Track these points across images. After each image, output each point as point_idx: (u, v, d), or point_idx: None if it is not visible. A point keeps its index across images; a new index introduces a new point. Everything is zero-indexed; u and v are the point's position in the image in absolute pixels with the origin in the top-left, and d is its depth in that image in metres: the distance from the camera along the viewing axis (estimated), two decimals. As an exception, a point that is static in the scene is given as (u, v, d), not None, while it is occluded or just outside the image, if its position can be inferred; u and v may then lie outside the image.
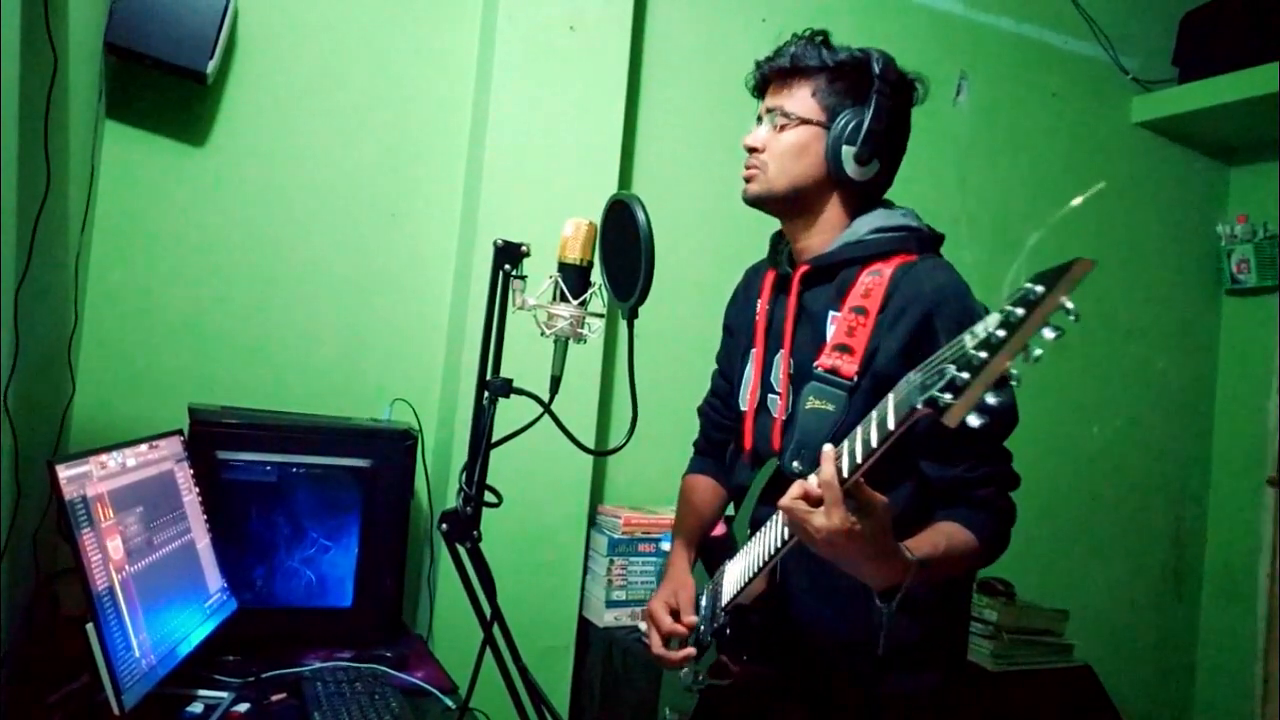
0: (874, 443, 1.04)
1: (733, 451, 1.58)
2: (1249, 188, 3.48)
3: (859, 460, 1.07)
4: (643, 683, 2.12)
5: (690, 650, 1.42)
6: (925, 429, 1.26)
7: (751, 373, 1.49)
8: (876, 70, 1.37)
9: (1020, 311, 0.85)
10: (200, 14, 1.96)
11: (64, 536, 1.32)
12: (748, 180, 1.43)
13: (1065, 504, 3.19)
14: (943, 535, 1.26)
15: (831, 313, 1.37)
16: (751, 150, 1.43)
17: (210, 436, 1.84)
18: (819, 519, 1.09)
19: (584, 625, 2.36)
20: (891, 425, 1.01)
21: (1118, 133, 3.32)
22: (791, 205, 1.42)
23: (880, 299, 1.30)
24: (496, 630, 1.23)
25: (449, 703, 1.69)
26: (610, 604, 2.32)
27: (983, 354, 0.87)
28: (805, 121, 1.38)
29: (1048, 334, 0.85)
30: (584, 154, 2.35)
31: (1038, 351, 0.85)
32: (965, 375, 0.88)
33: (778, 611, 1.37)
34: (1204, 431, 3.52)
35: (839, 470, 1.09)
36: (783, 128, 1.39)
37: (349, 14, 2.30)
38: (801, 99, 1.39)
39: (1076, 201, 1.02)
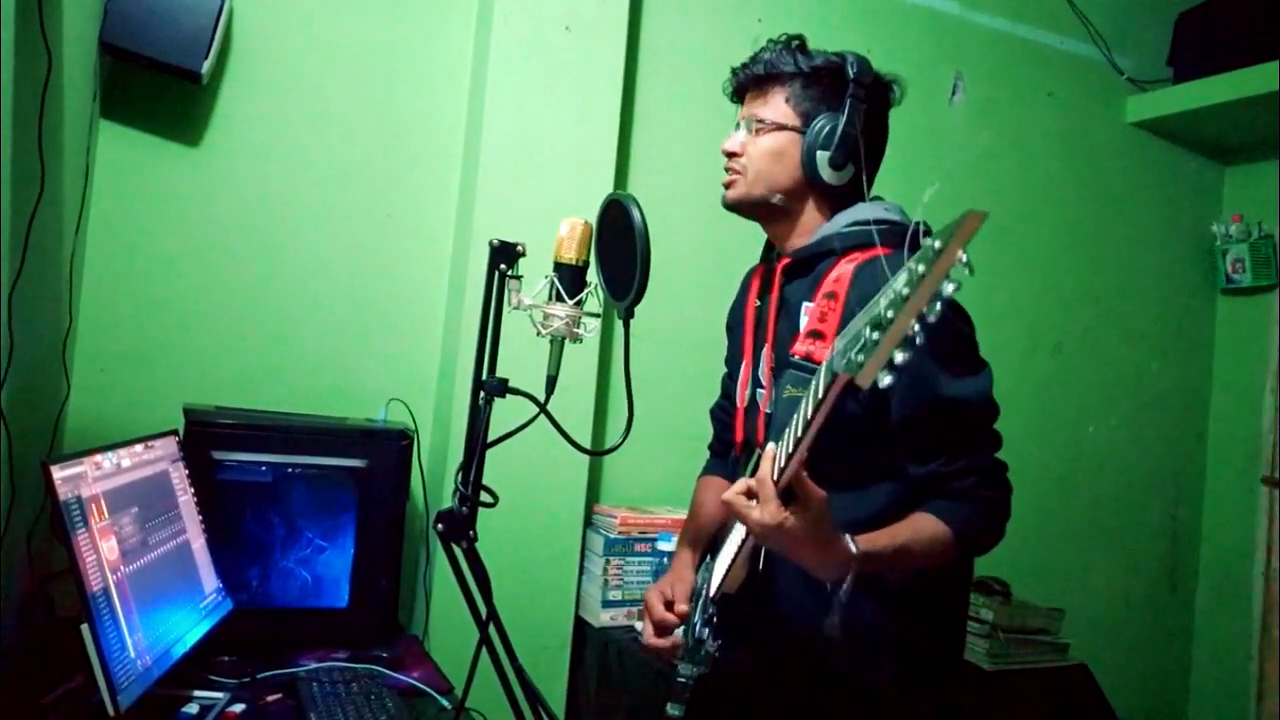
0: (808, 415, 1.05)
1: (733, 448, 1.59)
2: (1244, 187, 3.48)
3: (790, 449, 1.09)
4: (639, 682, 2.12)
5: (676, 639, 1.43)
6: (898, 424, 1.27)
7: (744, 370, 1.51)
8: (851, 74, 1.38)
9: (921, 268, 0.87)
10: (195, 14, 1.96)
11: (58, 537, 1.32)
12: (726, 186, 1.46)
13: (1061, 503, 3.20)
14: (906, 527, 1.27)
15: (805, 303, 1.38)
16: (730, 155, 1.45)
17: (205, 437, 1.84)
18: (755, 513, 1.14)
19: (580, 625, 2.36)
20: (820, 394, 1.02)
21: (1113, 133, 3.32)
22: (770, 209, 1.44)
23: (848, 284, 1.32)
24: (492, 630, 1.23)
25: (445, 703, 1.69)
26: (606, 604, 2.31)
27: (890, 313, 0.89)
28: (781, 127, 1.40)
29: (948, 288, 0.87)
30: (580, 154, 2.35)
31: (939, 305, 0.88)
32: (875, 335, 0.90)
33: (763, 601, 1.38)
34: (1199, 431, 3.52)
35: (772, 468, 1.12)
36: (759, 133, 1.41)
37: (344, 14, 2.30)
38: (776, 105, 1.41)
39: (984, 137, 1.05)
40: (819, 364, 1.27)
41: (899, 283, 0.89)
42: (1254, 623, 3.30)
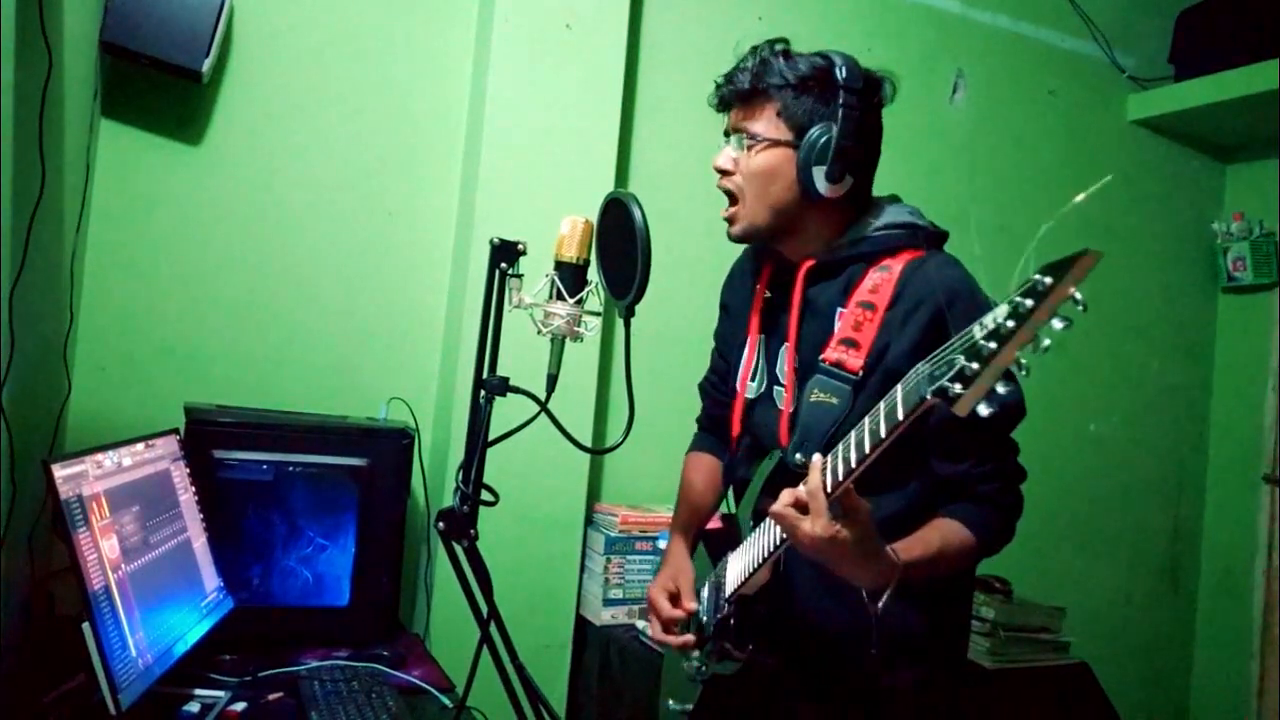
0: (881, 434, 1.04)
1: (734, 441, 1.58)
2: (1245, 185, 3.48)
3: (852, 464, 1.08)
4: (640, 680, 2.12)
5: (689, 637, 1.43)
6: (935, 425, 1.27)
7: (746, 359, 1.49)
8: (840, 79, 1.33)
9: (1029, 303, 0.86)
10: (196, 12, 1.96)
11: (60, 536, 1.32)
12: (730, 221, 1.41)
13: (1062, 501, 3.20)
14: (937, 534, 1.27)
15: (839, 309, 1.37)
16: (723, 172, 1.40)
17: (206, 435, 1.84)
18: (805, 526, 1.13)
19: (581, 623, 2.36)
20: (900, 416, 1.02)
21: (1114, 130, 3.32)
22: (779, 228, 1.41)
23: (889, 295, 1.31)
24: (493, 629, 1.23)
25: (446, 701, 1.69)
26: (607, 602, 2.32)
27: (992, 344, 0.88)
28: (774, 143, 1.35)
29: (1056, 325, 0.86)
30: (580, 152, 2.35)
31: (1046, 342, 0.87)
32: (975, 365, 0.89)
33: (782, 602, 1.38)
34: (1200, 429, 3.52)
35: (824, 481, 1.12)
36: (751, 150, 1.37)
37: (345, 12, 2.30)
38: (767, 120, 1.36)
39: (1081, 198, 1.04)
40: (851, 373, 1.28)
41: (1000, 314, 0.88)
42: (1255, 621, 3.30)
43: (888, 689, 1.36)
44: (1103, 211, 3.29)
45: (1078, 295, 0.85)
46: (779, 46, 1.38)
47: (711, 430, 1.71)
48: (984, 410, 0.90)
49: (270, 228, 2.23)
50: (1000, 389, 0.90)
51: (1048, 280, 0.85)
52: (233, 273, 2.20)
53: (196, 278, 2.17)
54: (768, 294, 1.49)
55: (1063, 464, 3.20)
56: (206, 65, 1.99)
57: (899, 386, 1.03)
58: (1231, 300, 3.50)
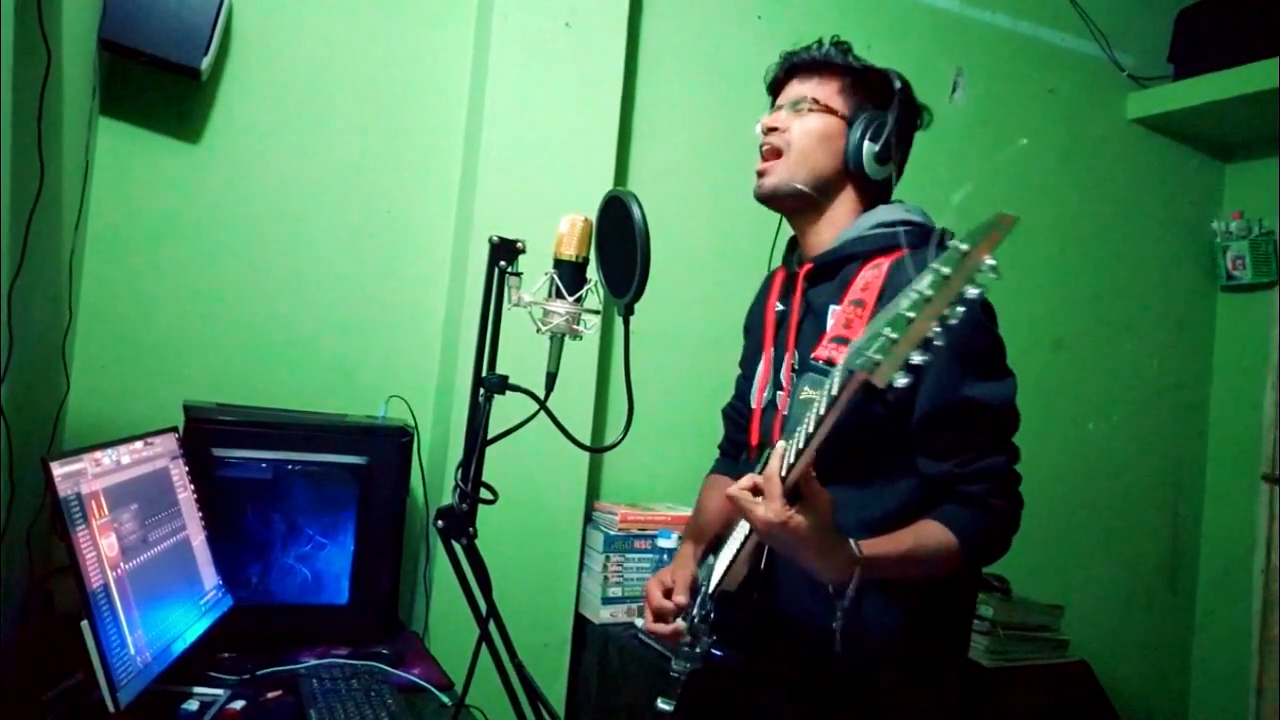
0: (822, 412, 1.05)
1: (751, 453, 1.59)
2: (1244, 184, 3.48)
3: (801, 446, 1.09)
4: (638, 679, 2.12)
5: (679, 625, 1.43)
6: (918, 422, 1.27)
7: (761, 373, 1.51)
8: (897, 85, 1.43)
9: (946, 270, 0.87)
10: (195, 10, 1.96)
11: (58, 534, 1.32)
12: (763, 174, 1.44)
13: (1061, 500, 3.20)
14: (911, 534, 1.27)
15: (832, 307, 1.38)
16: (771, 130, 1.44)
17: (205, 433, 1.84)
18: (759, 509, 1.14)
19: (580, 621, 2.36)
20: (835, 391, 1.02)
21: (1113, 129, 3.32)
22: (803, 200, 1.43)
23: (878, 291, 1.31)
24: (492, 627, 1.23)
25: (445, 699, 1.69)
26: (606, 600, 2.32)
27: (911, 314, 0.89)
28: (831, 111, 1.42)
29: (972, 291, 0.87)
30: (580, 150, 2.34)
31: (960, 309, 0.88)
32: (894, 335, 0.90)
33: (765, 598, 1.38)
34: (1199, 428, 3.52)
35: (780, 465, 1.12)
36: (809, 112, 1.42)
37: (344, 9, 2.29)
38: (829, 91, 1.43)
39: (1014, 147, 1.07)
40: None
41: (923, 284, 0.89)
42: (1254, 620, 3.30)
43: (869, 688, 1.35)
44: (1102, 211, 3.29)
45: (991, 261, 0.86)
46: (845, 44, 1.47)
47: (732, 455, 1.72)
48: (901, 381, 0.91)
49: (269, 226, 2.23)
50: (918, 359, 0.90)
51: (964, 247, 0.86)
52: (232, 271, 2.20)
53: (195, 276, 2.17)
54: (779, 306, 1.51)
55: (1061, 463, 3.20)
56: (205, 63, 1.99)
57: (838, 365, 1.04)
58: (1231, 299, 3.50)
